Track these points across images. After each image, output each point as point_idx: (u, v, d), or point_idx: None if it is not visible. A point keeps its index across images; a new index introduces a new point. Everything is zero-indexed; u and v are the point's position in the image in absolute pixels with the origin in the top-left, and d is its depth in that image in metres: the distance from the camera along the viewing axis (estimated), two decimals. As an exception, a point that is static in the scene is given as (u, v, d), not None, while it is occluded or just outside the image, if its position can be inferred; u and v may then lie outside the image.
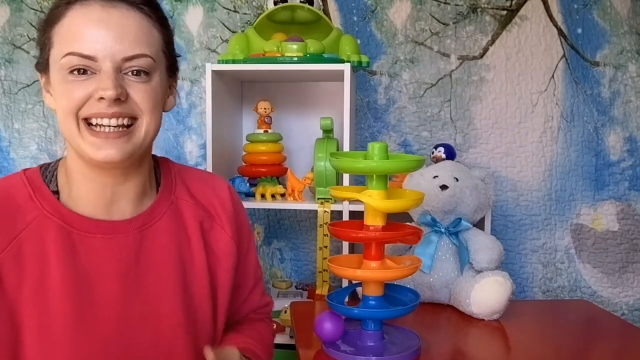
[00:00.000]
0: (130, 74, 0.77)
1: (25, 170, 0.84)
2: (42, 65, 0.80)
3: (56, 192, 0.82)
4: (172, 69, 0.86)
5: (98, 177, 0.81)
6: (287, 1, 1.70)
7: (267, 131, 1.72)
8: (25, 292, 0.77)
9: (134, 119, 0.78)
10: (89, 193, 0.81)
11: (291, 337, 1.60)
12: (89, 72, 0.75)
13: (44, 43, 0.78)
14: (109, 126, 0.76)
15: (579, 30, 1.83)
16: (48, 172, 0.84)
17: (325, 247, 1.58)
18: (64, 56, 0.74)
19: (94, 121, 0.76)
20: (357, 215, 1.51)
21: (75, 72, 0.75)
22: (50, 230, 0.78)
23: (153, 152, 0.89)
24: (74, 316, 0.78)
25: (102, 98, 0.74)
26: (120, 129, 0.77)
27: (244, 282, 0.99)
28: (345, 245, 1.61)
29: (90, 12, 0.75)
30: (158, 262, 0.84)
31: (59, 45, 0.75)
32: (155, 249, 0.84)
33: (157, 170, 0.91)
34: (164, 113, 0.85)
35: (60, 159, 0.86)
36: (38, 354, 0.77)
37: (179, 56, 0.88)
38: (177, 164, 0.95)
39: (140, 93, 0.77)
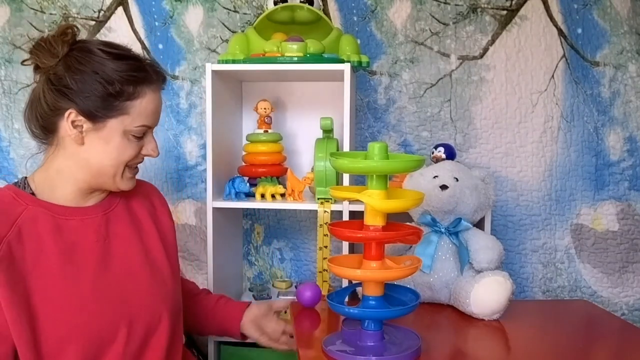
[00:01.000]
0: None
1: None
2: (94, 115, 1.04)
3: (32, 194, 1.07)
4: None
5: (91, 188, 1.11)
6: (287, 1, 1.70)
7: (267, 131, 1.72)
8: (28, 263, 1.01)
9: None
10: (72, 193, 1.10)
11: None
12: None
13: (113, 107, 1.05)
14: (137, 167, 1.15)
15: (579, 30, 1.83)
16: (18, 184, 1.09)
17: (325, 247, 1.58)
18: (139, 126, 1.08)
19: (132, 165, 1.12)
20: (357, 215, 1.51)
21: (136, 135, 1.08)
22: (40, 216, 1.05)
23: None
24: (72, 275, 1.04)
25: (149, 155, 1.13)
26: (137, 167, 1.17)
27: None
28: (345, 245, 1.61)
29: (156, 98, 1.11)
30: (121, 234, 1.14)
31: (135, 117, 1.07)
32: (118, 226, 1.14)
33: None
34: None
35: (25, 177, 1.11)
36: (48, 308, 1.00)
37: None
38: None
39: None
